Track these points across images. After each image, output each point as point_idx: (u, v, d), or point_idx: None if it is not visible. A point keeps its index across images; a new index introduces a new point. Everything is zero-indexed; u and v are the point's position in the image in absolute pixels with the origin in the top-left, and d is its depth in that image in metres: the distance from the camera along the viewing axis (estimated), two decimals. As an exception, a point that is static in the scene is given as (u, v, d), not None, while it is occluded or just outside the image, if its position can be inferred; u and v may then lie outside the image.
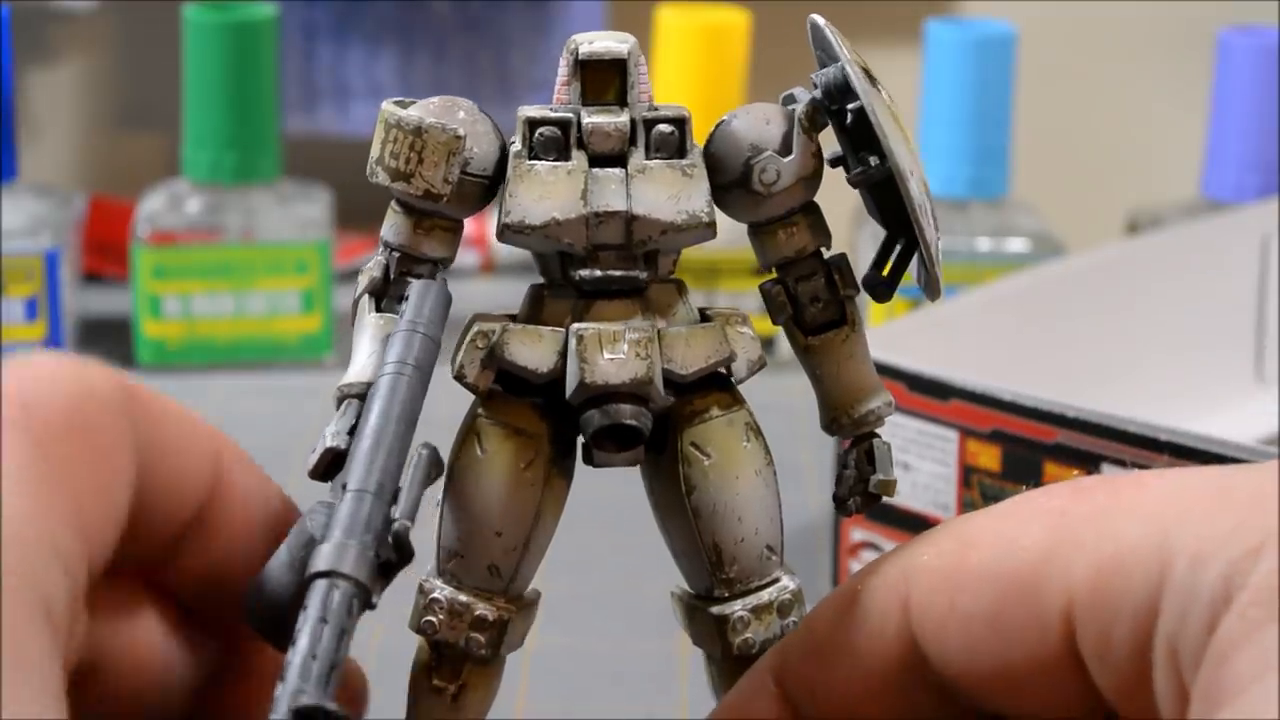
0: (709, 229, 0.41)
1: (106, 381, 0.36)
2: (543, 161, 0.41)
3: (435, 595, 0.42)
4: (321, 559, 0.36)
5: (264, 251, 0.89)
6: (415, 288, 0.40)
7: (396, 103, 0.41)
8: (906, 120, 0.41)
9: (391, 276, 0.41)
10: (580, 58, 0.41)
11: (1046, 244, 0.89)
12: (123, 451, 0.36)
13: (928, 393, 0.63)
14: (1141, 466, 0.59)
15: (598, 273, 0.41)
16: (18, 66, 0.97)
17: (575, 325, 0.41)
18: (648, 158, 0.41)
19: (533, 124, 0.41)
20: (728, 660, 0.42)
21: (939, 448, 0.62)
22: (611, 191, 0.40)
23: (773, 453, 0.42)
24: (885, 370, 0.64)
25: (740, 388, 0.42)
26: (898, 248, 0.42)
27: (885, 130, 0.40)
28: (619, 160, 0.41)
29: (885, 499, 0.42)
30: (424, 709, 0.42)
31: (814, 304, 0.42)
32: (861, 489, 0.42)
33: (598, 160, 0.41)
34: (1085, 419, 0.60)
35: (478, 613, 0.41)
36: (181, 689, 0.40)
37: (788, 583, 0.42)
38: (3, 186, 0.88)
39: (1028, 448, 0.61)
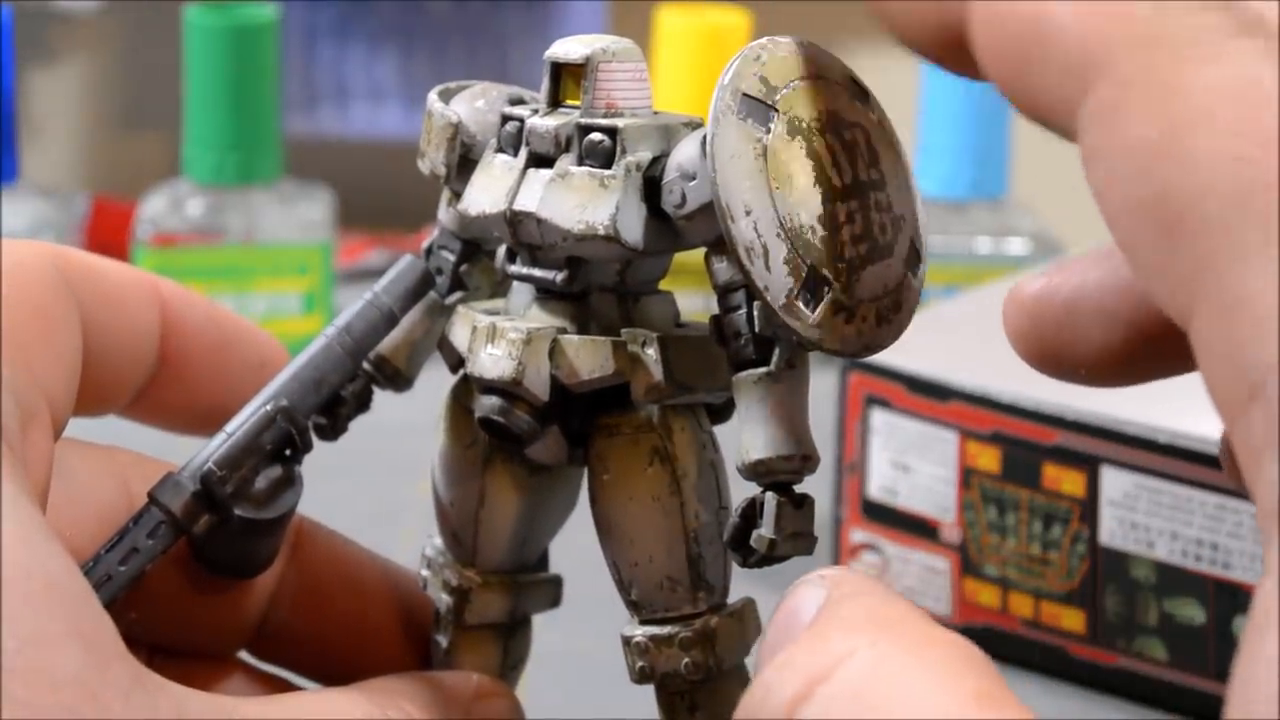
0: (609, 242, 0.39)
1: (34, 250, 0.39)
2: (502, 155, 0.41)
3: (427, 551, 0.44)
4: (158, 483, 0.40)
5: (265, 253, 0.89)
6: (397, 263, 0.43)
7: (446, 88, 0.43)
8: (906, 122, 0.40)
9: (433, 249, 0.44)
10: (546, 59, 0.41)
11: (1046, 244, 0.89)
12: (62, 306, 0.39)
13: (928, 394, 0.63)
14: (1141, 468, 0.59)
15: (517, 269, 0.41)
16: (20, 67, 0.97)
17: (482, 317, 0.41)
18: (578, 164, 0.40)
19: (504, 119, 0.41)
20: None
21: (939, 449, 0.63)
22: (532, 192, 0.40)
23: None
24: (885, 371, 0.64)
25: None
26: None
27: (720, 162, 0.37)
28: (554, 162, 0.40)
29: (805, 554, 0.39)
30: (433, 655, 0.44)
31: (736, 339, 0.39)
32: (741, 540, 0.39)
33: (539, 160, 0.40)
34: (1085, 420, 0.60)
35: (445, 576, 0.43)
36: (249, 602, 0.43)
37: (707, 620, 0.40)
38: (5, 188, 0.88)
39: (1027, 449, 0.61)
